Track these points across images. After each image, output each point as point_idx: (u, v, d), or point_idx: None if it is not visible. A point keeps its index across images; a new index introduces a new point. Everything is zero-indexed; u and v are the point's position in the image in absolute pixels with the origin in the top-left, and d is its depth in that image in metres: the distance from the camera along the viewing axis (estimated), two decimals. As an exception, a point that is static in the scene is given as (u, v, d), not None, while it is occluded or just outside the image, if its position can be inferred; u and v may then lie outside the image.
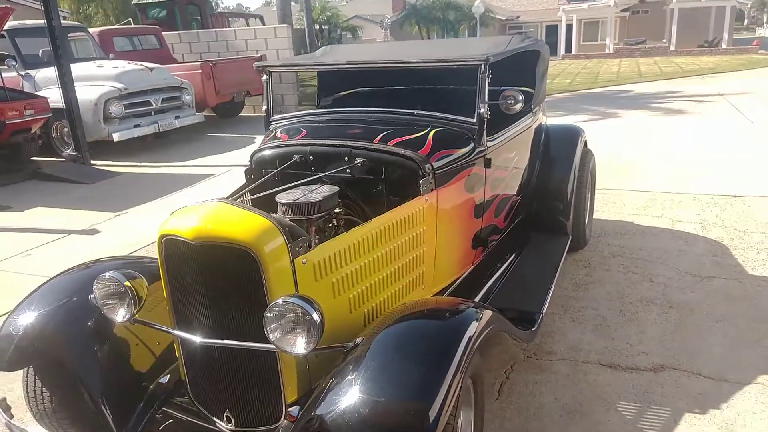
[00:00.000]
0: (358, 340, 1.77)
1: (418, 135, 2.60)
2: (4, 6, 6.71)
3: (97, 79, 8.15)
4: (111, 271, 2.00)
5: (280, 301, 1.70)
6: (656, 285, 3.56)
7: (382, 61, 2.89)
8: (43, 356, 2.07)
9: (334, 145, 2.55)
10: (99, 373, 2.07)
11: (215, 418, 2.04)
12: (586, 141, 4.07)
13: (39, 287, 2.20)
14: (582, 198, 3.78)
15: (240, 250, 1.80)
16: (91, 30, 10.34)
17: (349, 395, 1.58)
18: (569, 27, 29.95)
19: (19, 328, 2.05)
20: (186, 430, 2.11)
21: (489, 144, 2.72)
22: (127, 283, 1.97)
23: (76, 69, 8.04)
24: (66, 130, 7.87)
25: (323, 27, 28.95)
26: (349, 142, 2.54)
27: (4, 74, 8.00)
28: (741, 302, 3.30)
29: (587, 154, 3.96)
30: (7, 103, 6.74)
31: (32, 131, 7.28)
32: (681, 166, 6.30)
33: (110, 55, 9.75)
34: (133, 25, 13.12)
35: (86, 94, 7.74)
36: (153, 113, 8.58)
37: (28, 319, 2.07)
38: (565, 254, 3.48)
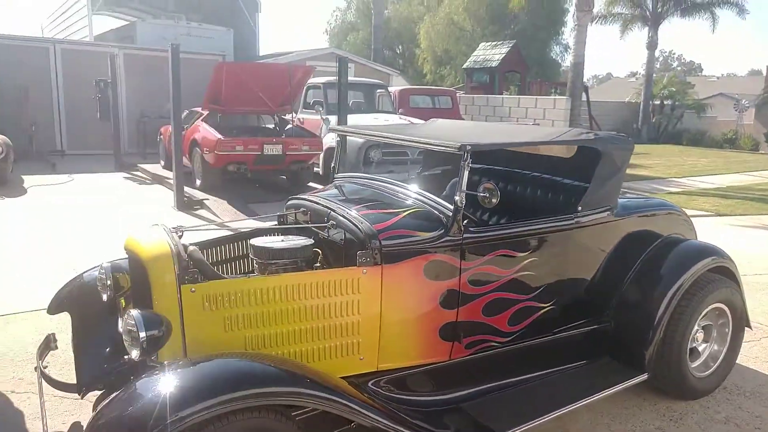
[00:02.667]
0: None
1: (393, 211, 2.65)
2: (307, 66, 8.64)
3: (371, 129, 9.63)
4: (107, 262, 2.72)
5: (132, 312, 2.12)
6: (741, 475, 2.63)
7: (383, 135, 3.01)
8: (65, 307, 2.91)
9: (320, 204, 2.81)
10: (90, 331, 2.80)
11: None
12: (722, 266, 3.24)
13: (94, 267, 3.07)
14: (680, 331, 3.03)
15: (141, 263, 2.29)
16: (393, 88, 12.15)
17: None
18: None
19: (62, 290, 2.96)
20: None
21: (468, 235, 2.57)
22: (102, 273, 2.66)
23: (362, 118, 9.71)
24: (339, 166, 9.53)
25: (665, 102, 26.90)
26: (333, 205, 2.76)
27: (311, 116, 10.21)
28: None
29: (712, 282, 3.14)
30: (290, 138, 8.62)
31: (308, 163, 9.07)
32: None
33: (400, 110, 11.32)
34: (430, 86, 14.78)
35: (356, 139, 9.24)
36: (409, 163, 9.63)
37: (71, 284, 2.96)
38: (615, 389, 2.88)
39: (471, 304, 2.68)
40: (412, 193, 2.84)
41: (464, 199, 2.52)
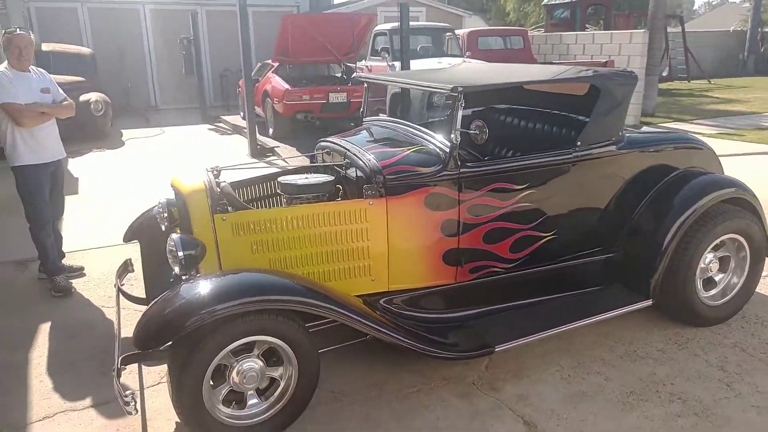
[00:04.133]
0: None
1: (398, 149, 2.95)
2: (370, 14, 8.81)
3: (435, 73, 9.72)
4: (164, 198, 3.23)
5: (173, 235, 2.60)
6: (730, 392, 2.79)
7: (390, 80, 3.25)
8: (136, 236, 3.49)
9: (340, 145, 3.15)
10: (155, 255, 3.36)
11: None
12: (738, 198, 3.27)
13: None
14: (686, 259, 3.13)
15: (182, 197, 2.76)
16: (461, 30, 12.01)
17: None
18: None
19: (133, 223, 3.53)
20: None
21: (465, 170, 2.82)
22: (159, 208, 3.17)
23: (424, 63, 9.80)
24: (404, 111, 9.76)
25: (776, 29, 24.31)
26: (350, 146, 3.10)
27: (378, 63, 10.43)
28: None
29: (725, 212, 3.18)
30: (354, 86, 8.93)
31: (373, 108, 9.36)
32: None
33: (467, 53, 11.24)
34: (502, 27, 14.34)
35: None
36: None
37: (141, 218, 3.53)
38: (615, 312, 3.08)
39: (471, 233, 2.96)
40: (422, 133, 3.10)
41: (459, 137, 2.77)
